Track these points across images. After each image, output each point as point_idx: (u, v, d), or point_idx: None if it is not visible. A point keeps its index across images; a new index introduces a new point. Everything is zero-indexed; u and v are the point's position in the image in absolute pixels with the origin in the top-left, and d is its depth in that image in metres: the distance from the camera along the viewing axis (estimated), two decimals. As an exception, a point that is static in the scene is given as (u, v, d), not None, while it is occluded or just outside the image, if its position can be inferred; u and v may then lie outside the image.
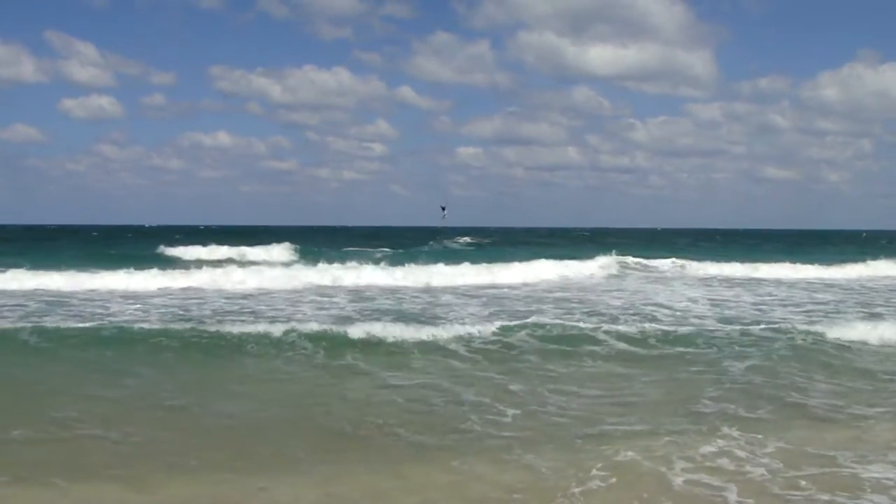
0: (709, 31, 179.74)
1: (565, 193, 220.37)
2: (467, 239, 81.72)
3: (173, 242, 57.10)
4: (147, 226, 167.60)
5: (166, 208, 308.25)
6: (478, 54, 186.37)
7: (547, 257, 40.36)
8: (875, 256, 46.01)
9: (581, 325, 18.59)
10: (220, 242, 54.68)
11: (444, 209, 65.11)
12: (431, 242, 73.51)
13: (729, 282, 35.42)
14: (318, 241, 68.20)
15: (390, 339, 16.34)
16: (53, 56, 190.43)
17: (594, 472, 8.61)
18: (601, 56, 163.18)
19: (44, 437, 9.77)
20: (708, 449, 9.49)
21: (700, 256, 47.05)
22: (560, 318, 19.83)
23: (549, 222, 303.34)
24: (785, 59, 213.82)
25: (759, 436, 10.02)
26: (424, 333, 16.83)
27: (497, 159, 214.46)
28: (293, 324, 17.56)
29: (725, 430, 10.31)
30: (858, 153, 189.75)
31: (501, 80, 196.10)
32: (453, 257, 43.55)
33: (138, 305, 22.58)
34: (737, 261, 43.24)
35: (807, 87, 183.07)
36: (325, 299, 24.93)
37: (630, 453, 9.21)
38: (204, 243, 54.18)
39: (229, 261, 43.50)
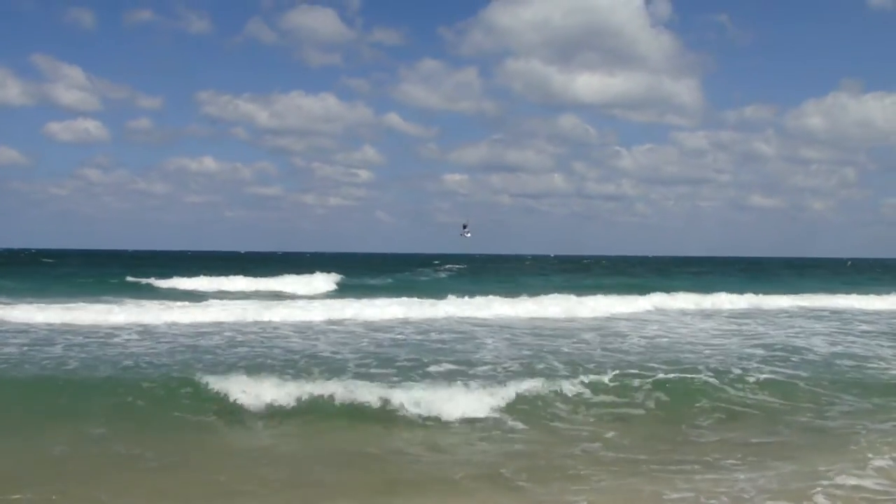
0: (695, 61, 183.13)
1: (551, 220, 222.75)
2: (453, 266, 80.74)
3: (177, 271, 54.25)
4: (132, 250, 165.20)
5: (150, 233, 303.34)
6: (465, 81, 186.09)
7: (556, 286, 38.80)
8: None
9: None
10: (225, 272, 53.23)
11: (465, 227, 62.51)
12: (427, 269, 74.25)
13: (839, 317, 32.18)
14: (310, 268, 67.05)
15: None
16: (40, 79, 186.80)
17: None
18: (588, 84, 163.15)
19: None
20: None
21: (747, 287, 45.42)
22: (672, 369, 16.83)
23: (534, 249, 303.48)
24: (770, 88, 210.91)
25: None
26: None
27: (483, 186, 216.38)
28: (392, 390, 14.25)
29: None
30: (843, 181, 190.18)
31: (488, 107, 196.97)
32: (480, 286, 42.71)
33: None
34: (799, 291, 42.33)
35: (791, 116, 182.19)
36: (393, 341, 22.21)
37: None
38: (213, 273, 51.93)
39: (259, 293, 41.88)
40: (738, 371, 16.76)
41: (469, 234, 65.67)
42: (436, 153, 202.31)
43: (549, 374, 15.98)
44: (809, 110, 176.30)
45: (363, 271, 69.46)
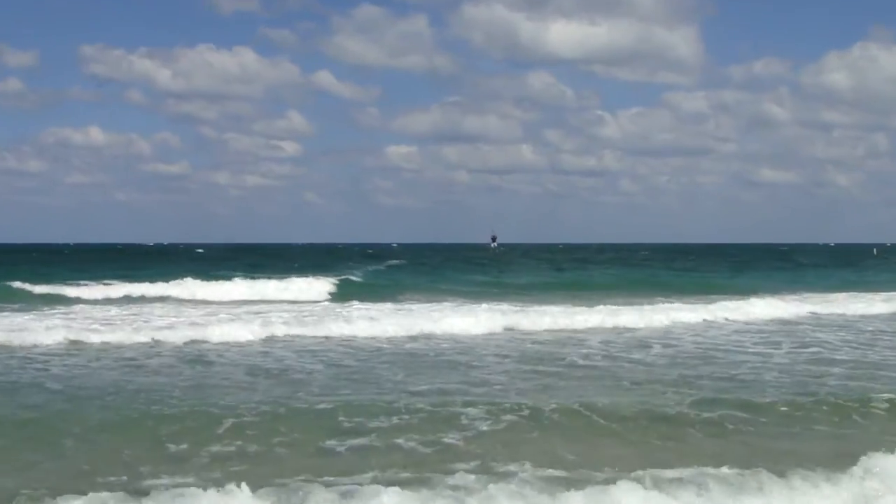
0: (693, 6, 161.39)
1: (519, 202, 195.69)
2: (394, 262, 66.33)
3: (62, 272, 44.36)
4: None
5: (21, 222, 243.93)
6: (413, 32, 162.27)
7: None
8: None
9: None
10: (132, 271, 44.30)
11: (494, 240, 60.51)
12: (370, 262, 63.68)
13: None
14: (222, 263, 58.49)
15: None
16: None
17: None
18: (564, 35, 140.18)
19: None
20: None
21: (794, 285, 41.52)
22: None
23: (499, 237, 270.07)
24: (783, 39, 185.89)
25: None
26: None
27: (435, 160, 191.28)
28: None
29: None
30: (871, 151, 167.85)
31: (441, 63, 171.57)
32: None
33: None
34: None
35: (809, 72, 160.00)
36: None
37: None
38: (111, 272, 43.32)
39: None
40: None
41: (495, 245, 62.56)
42: (377, 120, 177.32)
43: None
44: (831, 64, 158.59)
45: (284, 265, 55.97)
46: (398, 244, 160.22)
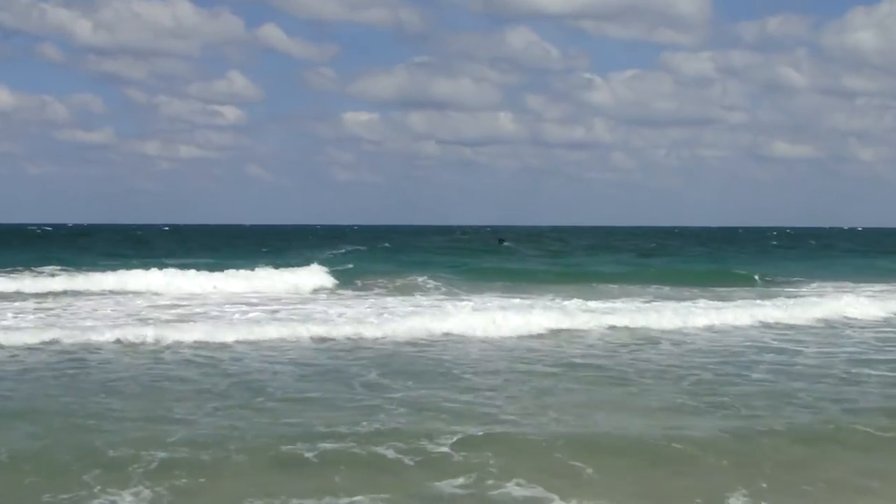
0: None
1: (494, 178, 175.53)
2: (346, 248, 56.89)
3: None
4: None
5: None
6: None
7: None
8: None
9: None
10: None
11: (501, 241, 57.04)
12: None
13: None
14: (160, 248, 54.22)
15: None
16: None
17: None
18: None
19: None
20: None
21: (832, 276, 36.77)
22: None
23: (471, 217, 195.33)
24: None
25: None
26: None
27: (399, 129, 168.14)
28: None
29: None
30: None
31: (408, 17, 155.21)
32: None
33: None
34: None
35: (831, 31, 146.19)
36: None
37: None
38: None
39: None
40: None
41: (507, 243, 58.94)
42: (333, 83, 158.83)
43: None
44: (857, 22, 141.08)
45: (231, 252, 49.94)
46: (358, 226, 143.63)
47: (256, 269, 32.39)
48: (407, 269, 36.86)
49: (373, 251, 55.07)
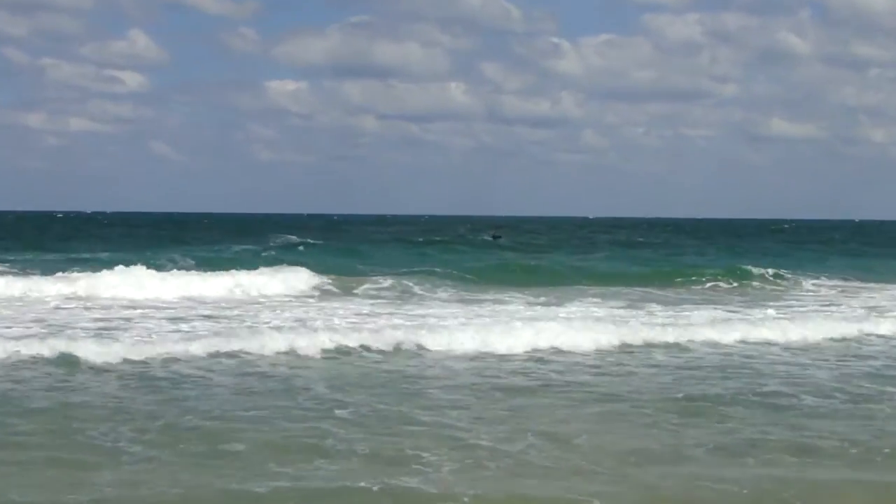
0: None
1: (445, 159, 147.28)
2: (294, 238, 50.71)
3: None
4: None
5: None
6: None
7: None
8: None
9: None
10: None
11: (496, 238, 54.13)
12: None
13: None
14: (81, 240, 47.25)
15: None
16: None
17: None
18: None
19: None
20: None
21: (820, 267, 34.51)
22: None
23: (416, 206, 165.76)
24: None
25: None
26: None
27: (333, 101, 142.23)
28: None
29: None
30: None
31: None
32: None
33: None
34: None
35: None
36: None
37: None
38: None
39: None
40: None
41: (502, 239, 56.59)
42: (254, 45, 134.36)
43: None
44: None
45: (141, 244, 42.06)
46: (280, 214, 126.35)
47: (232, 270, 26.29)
48: (372, 269, 31.04)
49: (326, 248, 44.27)
